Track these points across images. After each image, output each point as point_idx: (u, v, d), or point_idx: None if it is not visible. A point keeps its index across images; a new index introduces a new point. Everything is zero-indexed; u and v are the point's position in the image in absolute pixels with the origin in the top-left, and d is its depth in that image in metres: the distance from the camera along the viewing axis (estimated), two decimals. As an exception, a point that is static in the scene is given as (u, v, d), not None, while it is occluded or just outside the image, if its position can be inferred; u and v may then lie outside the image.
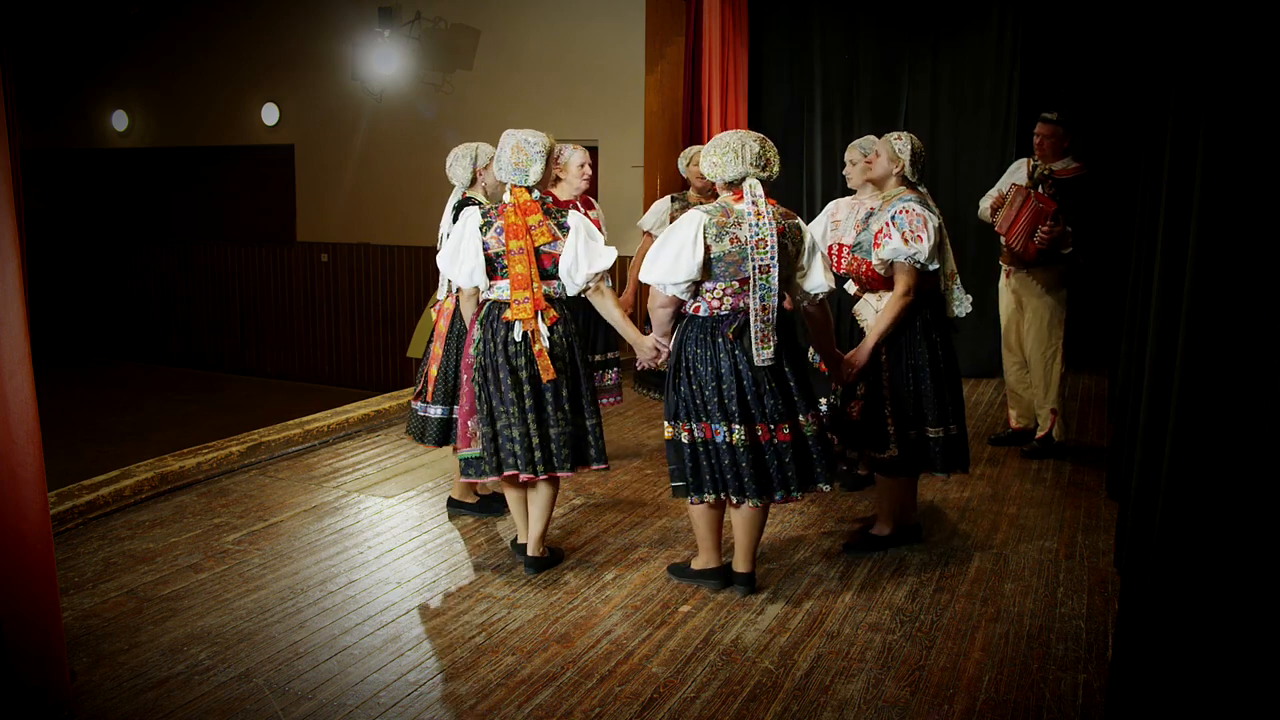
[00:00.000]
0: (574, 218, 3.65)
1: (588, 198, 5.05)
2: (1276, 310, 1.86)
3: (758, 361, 3.35)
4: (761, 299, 3.32)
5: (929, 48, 7.54)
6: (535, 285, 3.59)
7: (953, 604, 3.55)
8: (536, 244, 3.59)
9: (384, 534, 4.23)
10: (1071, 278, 5.27)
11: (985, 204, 5.39)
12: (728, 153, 3.36)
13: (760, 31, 8.15)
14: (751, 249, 3.29)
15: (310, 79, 10.08)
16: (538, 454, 3.60)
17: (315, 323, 10.66)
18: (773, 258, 3.30)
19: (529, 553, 3.80)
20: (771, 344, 3.35)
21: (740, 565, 3.62)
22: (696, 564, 3.70)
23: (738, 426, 3.37)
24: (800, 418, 3.47)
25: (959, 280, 3.99)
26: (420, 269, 9.68)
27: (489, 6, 8.89)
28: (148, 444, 7.06)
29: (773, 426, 3.41)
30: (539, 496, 3.74)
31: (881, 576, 3.79)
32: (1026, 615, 3.46)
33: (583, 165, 4.81)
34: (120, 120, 11.65)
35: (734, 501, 3.48)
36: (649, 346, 3.65)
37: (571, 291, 3.68)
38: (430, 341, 4.37)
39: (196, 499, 4.65)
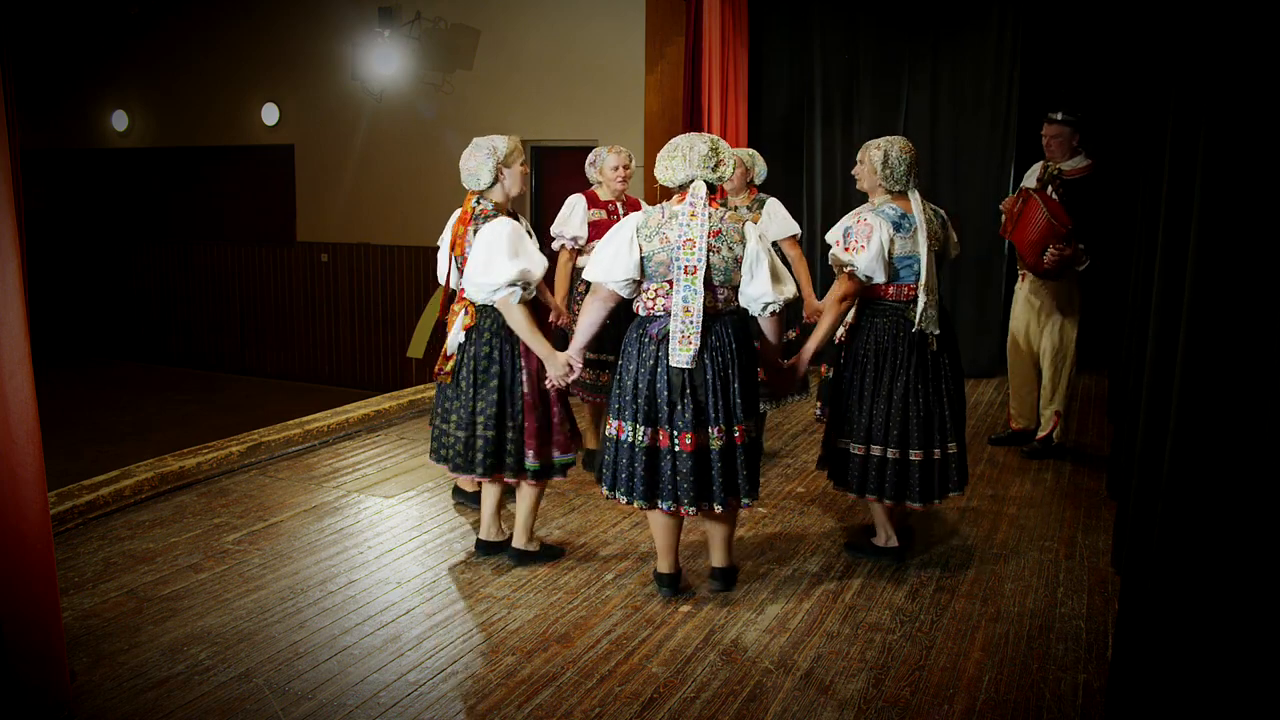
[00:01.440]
0: (485, 230, 3.57)
1: (635, 199, 5.09)
2: (1276, 310, 1.86)
3: (673, 362, 3.32)
4: (685, 300, 3.28)
5: (929, 48, 7.54)
6: (445, 289, 3.75)
7: (953, 604, 3.55)
8: (456, 253, 3.67)
9: (384, 534, 4.23)
10: (1083, 281, 5.25)
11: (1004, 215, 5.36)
12: (675, 157, 3.37)
13: (760, 31, 8.15)
14: (678, 249, 3.29)
15: (310, 79, 10.08)
16: (451, 452, 3.78)
17: (315, 323, 10.66)
18: (700, 259, 3.27)
19: (480, 535, 4.01)
20: (692, 347, 3.29)
21: (659, 565, 3.63)
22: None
23: (641, 428, 3.37)
24: (710, 429, 3.37)
25: (933, 298, 3.70)
26: (420, 269, 9.68)
27: (489, 6, 8.89)
28: (148, 444, 7.06)
29: (675, 434, 3.35)
30: (486, 491, 3.93)
31: (881, 576, 3.78)
32: (1026, 615, 3.46)
33: (616, 167, 4.89)
34: (120, 120, 11.65)
35: (623, 502, 3.49)
36: (561, 363, 3.60)
37: (478, 300, 3.63)
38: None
39: (196, 499, 4.64)
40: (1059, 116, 5.11)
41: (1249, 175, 1.98)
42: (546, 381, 3.66)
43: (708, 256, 3.28)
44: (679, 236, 3.30)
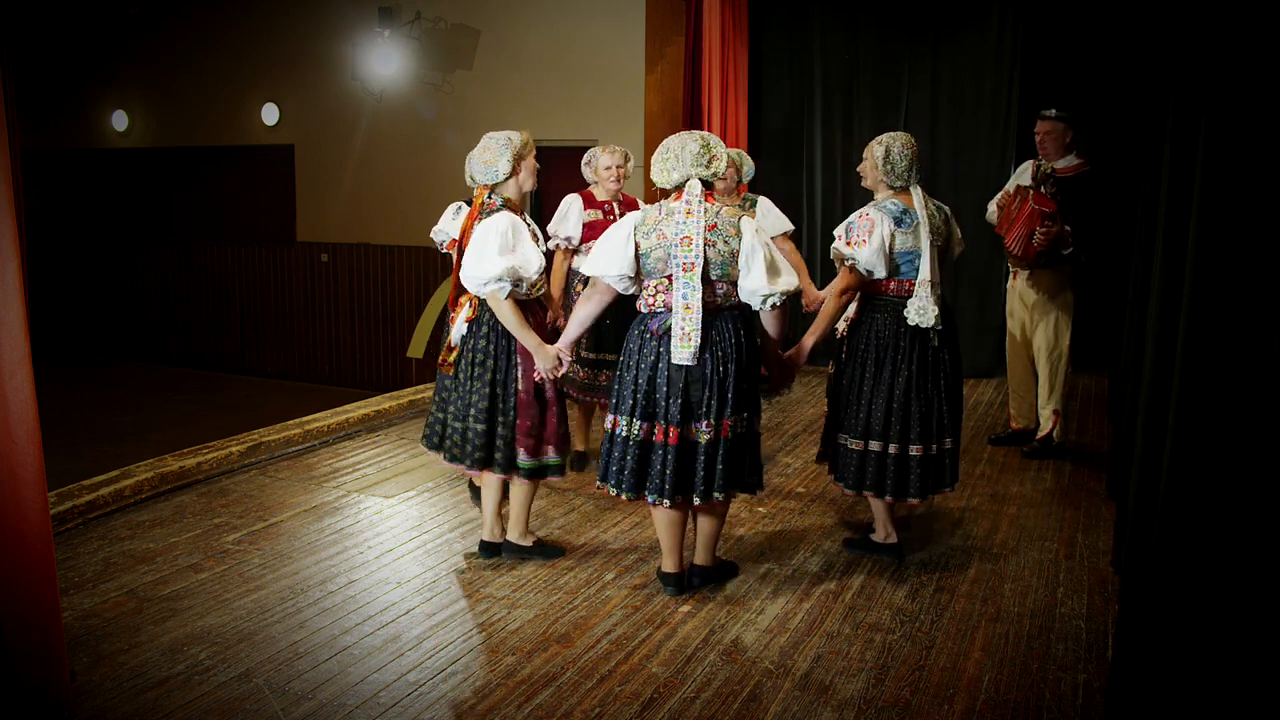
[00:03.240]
0: (483, 224, 3.60)
1: (632, 198, 5.08)
2: (1276, 310, 1.86)
3: (674, 359, 3.35)
4: (685, 296, 3.31)
5: (929, 48, 7.53)
6: (452, 281, 3.79)
7: (953, 604, 3.55)
8: (464, 245, 3.69)
9: (384, 534, 4.23)
10: (1078, 280, 5.26)
11: (992, 206, 5.39)
12: (668, 157, 3.41)
13: (760, 31, 8.15)
14: (675, 245, 3.32)
15: (310, 79, 10.08)
16: (447, 443, 3.83)
17: (315, 323, 10.66)
18: (697, 256, 3.30)
19: (483, 536, 4.00)
20: (693, 343, 3.31)
21: (664, 564, 3.64)
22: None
23: (637, 422, 3.41)
24: (702, 423, 3.37)
25: (934, 292, 3.69)
26: (420, 269, 9.68)
27: (489, 6, 8.89)
28: (148, 444, 7.05)
29: (667, 428, 3.39)
30: (486, 483, 3.93)
31: (881, 576, 3.79)
32: (1026, 615, 3.46)
33: (610, 167, 4.89)
34: (120, 120, 11.65)
35: (612, 493, 3.52)
36: (550, 356, 3.63)
37: (471, 290, 3.67)
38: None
39: (196, 499, 4.64)
40: (1052, 113, 5.13)
41: (1248, 174, 1.98)
42: (535, 374, 3.68)
43: (705, 251, 3.31)
44: (676, 233, 3.32)
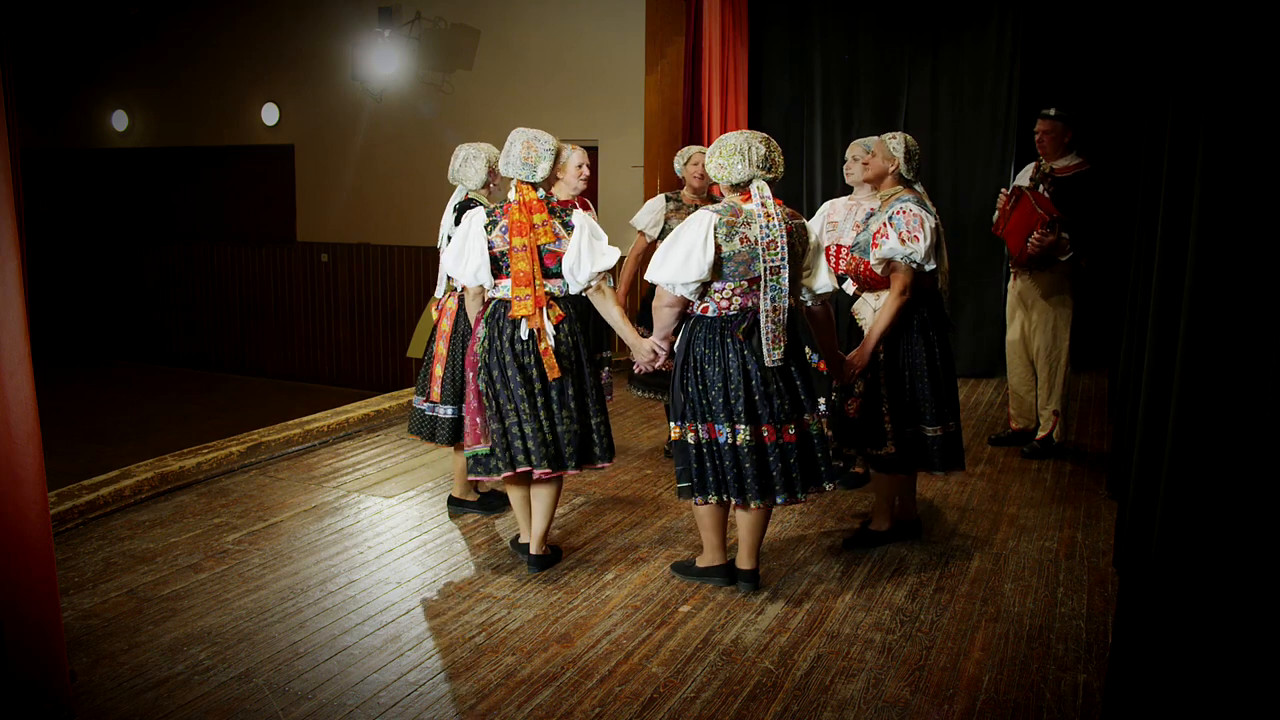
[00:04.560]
0: (579, 216, 3.66)
1: (585, 200, 5.02)
2: (1276, 309, 1.86)
3: (768, 362, 3.37)
4: (773, 300, 3.34)
5: (929, 48, 7.54)
6: (537, 283, 3.59)
7: (953, 604, 3.55)
8: (540, 242, 3.60)
9: (384, 534, 4.23)
10: (1077, 281, 5.26)
11: (997, 215, 5.38)
12: (735, 155, 3.37)
13: (760, 31, 8.15)
14: (762, 250, 3.32)
15: (310, 79, 10.08)
16: (551, 450, 3.64)
17: (315, 323, 10.67)
18: (783, 259, 3.33)
19: (532, 550, 3.81)
20: (782, 345, 3.38)
21: (744, 563, 3.63)
22: (701, 561, 3.71)
23: (743, 427, 3.39)
24: (806, 416, 3.49)
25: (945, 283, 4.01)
26: (420, 269, 9.68)
27: (489, 6, 8.89)
28: (148, 444, 7.05)
29: (779, 427, 3.42)
30: (543, 494, 3.76)
31: (881, 576, 3.79)
32: (1026, 615, 3.46)
33: (580, 166, 4.76)
34: (120, 120, 11.65)
35: (735, 503, 3.49)
36: (646, 349, 3.66)
37: (574, 290, 3.68)
38: (432, 341, 4.36)
39: (196, 499, 4.65)
40: (1051, 112, 5.15)
41: (1248, 174, 1.98)
42: (635, 366, 3.76)
43: (789, 255, 3.36)
44: (762, 237, 3.32)
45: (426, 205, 9.18)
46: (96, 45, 11.56)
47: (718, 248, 3.32)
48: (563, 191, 4.81)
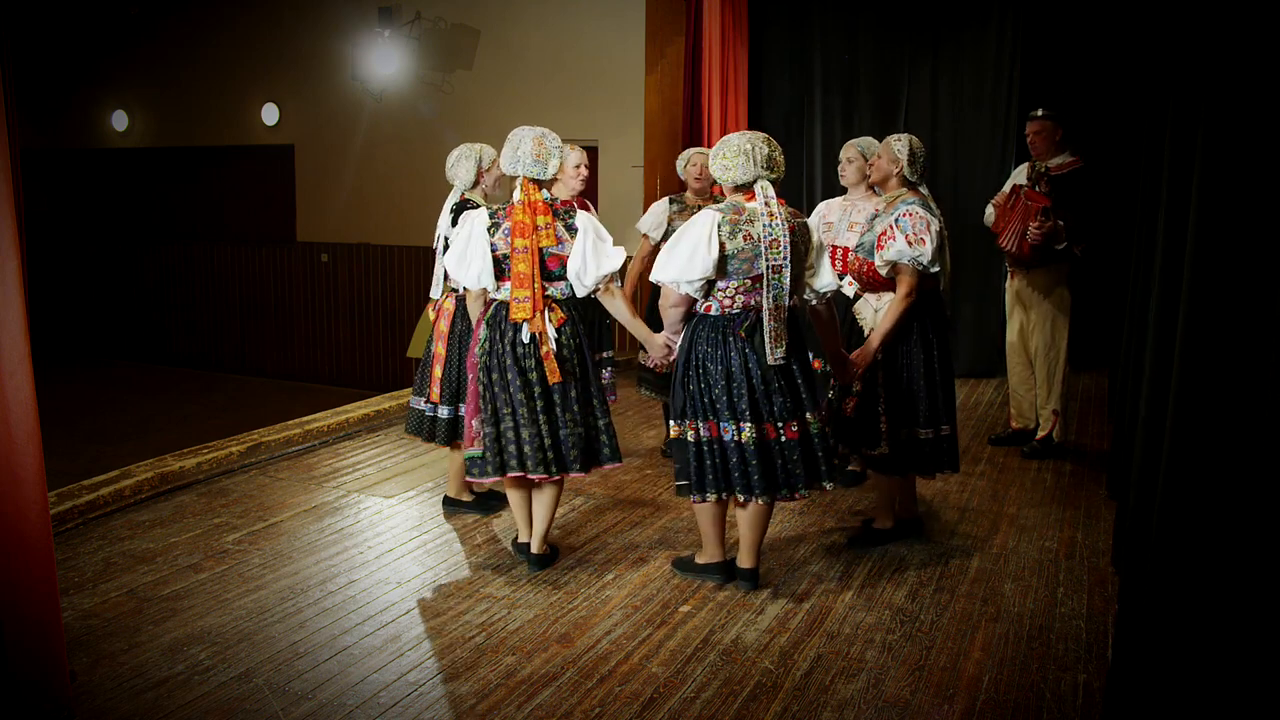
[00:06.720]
0: (582, 219, 3.65)
1: (585, 200, 5.02)
2: (1275, 308, 1.86)
3: (770, 360, 3.38)
4: (775, 298, 3.35)
5: (929, 48, 7.54)
6: (536, 285, 3.58)
7: (953, 604, 3.55)
8: (541, 245, 3.59)
9: (384, 534, 4.23)
10: (1074, 279, 5.27)
11: (990, 209, 5.40)
12: (739, 156, 3.38)
13: (760, 31, 8.15)
14: (765, 248, 3.33)
15: (310, 79, 10.08)
16: (550, 454, 3.62)
17: (315, 323, 10.67)
18: (786, 258, 3.35)
19: (533, 550, 3.82)
20: (784, 343, 3.39)
21: (744, 561, 3.64)
22: (701, 558, 3.72)
23: (747, 425, 3.40)
24: (807, 415, 3.50)
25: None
26: (420, 269, 9.68)
27: (489, 6, 8.89)
28: (148, 444, 7.06)
29: (780, 425, 3.43)
30: (544, 495, 3.76)
31: (881, 576, 3.79)
32: (1026, 615, 3.46)
33: (578, 165, 4.77)
34: (120, 120, 11.65)
35: (740, 500, 3.50)
36: (661, 344, 3.68)
37: (580, 293, 3.68)
38: (430, 342, 4.36)
39: (196, 499, 4.65)
40: (1040, 113, 5.20)
41: (1247, 174, 1.98)
42: (651, 361, 3.78)
43: (791, 254, 3.37)
44: (765, 235, 3.33)
45: (426, 205, 9.17)
46: (96, 45, 11.56)
47: (721, 245, 3.34)
48: (561, 191, 4.80)
